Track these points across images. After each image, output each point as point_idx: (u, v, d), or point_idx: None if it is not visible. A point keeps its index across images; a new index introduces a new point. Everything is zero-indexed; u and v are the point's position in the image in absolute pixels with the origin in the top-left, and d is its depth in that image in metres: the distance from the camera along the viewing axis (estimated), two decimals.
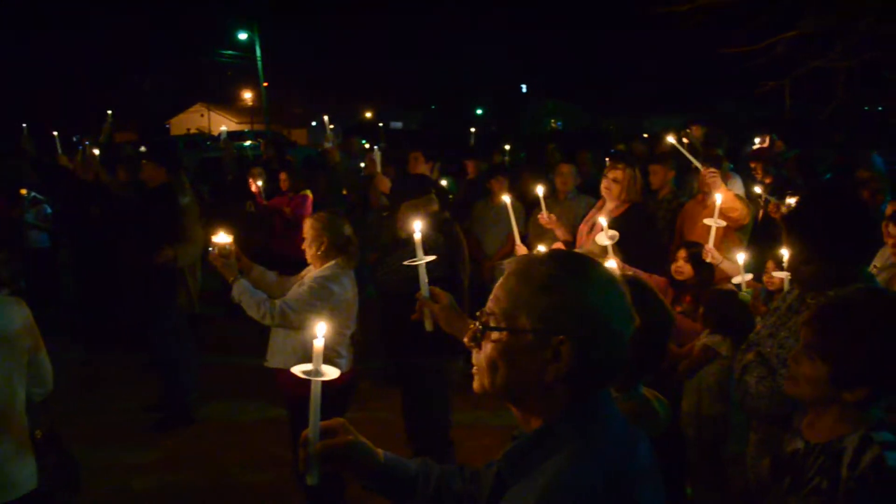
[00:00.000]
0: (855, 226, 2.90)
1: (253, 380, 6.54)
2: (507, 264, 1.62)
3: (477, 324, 1.60)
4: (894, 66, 5.41)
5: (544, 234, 6.10)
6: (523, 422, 1.61)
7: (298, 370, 1.90)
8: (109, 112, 10.16)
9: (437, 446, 4.80)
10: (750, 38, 5.58)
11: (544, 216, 5.77)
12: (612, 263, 4.48)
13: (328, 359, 4.49)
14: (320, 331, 1.90)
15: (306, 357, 4.45)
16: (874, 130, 8.41)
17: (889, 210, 4.26)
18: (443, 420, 4.92)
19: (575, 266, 1.57)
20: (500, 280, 1.61)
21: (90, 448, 5.85)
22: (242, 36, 38.46)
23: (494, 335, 1.56)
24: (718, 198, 5.12)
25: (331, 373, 1.89)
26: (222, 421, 6.68)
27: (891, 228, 4.07)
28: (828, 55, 5.29)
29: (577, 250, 5.35)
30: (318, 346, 1.87)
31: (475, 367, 1.62)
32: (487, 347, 1.58)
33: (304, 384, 4.18)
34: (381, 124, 12.76)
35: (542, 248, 5.04)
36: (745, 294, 4.67)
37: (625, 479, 1.48)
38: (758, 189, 6.89)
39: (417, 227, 2.90)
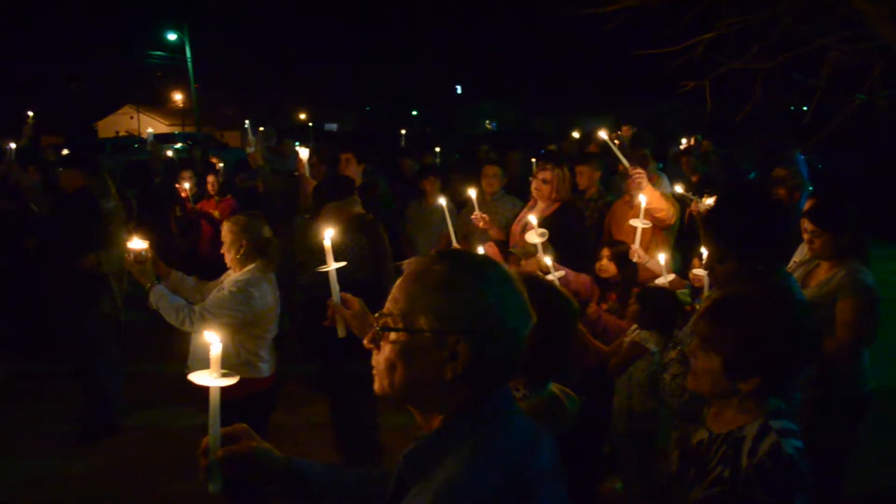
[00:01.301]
0: (768, 226, 2.97)
1: (180, 387, 6.39)
2: (406, 265, 1.62)
3: (376, 325, 1.60)
4: (807, 68, 5.57)
5: (472, 234, 6.13)
6: (424, 423, 1.62)
7: (195, 378, 1.86)
8: (30, 114, 9.85)
9: (364, 450, 4.78)
10: (674, 39, 5.68)
11: (478, 217, 5.81)
12: (548, 260, 4.53)
13: (251, 363, 4.46)
14: (215, 338, 1.85)
15: (227, 362, 4.38)
16: (798, 129, 8.65)
17: (807, 206, 4.36)
18: (369, 424, 4.90)
19: (470, 266, 1.59)
20: (398, 281, 1.61)
21: (14, 459, 5.75)
22: (172, 36, 37.81)
23: (393, 336, 1.57)
24: (643, 199, 5.20)
25: (228, 380, 1.85)
26: (149, 429, 6.56)
27: (807, 224, 4.17)
28: (745, 56, 5.42)
29: (511, 249, 5.40)
30: (214, 354, 1.83)
31: (374, 369, 1.63)
32: (386, 348, 1.59)
33: (230, 390, 4.09)
34: (310, 124, 12.63)
35: (480, 250, 5.07)
36: (684, 293, 4.75)
37: (522, 479, 1.50)
38: (679, 189, 7.03)
39: (328, 234, 2.88)
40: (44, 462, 5.96)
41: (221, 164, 9.04)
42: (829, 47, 5.38)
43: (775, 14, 5.32)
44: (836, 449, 4.09)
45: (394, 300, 1.60)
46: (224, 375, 1.87)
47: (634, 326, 4.44)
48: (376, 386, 1.63)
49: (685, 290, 5.04)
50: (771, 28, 5.36)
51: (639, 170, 5.68)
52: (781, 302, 2.22)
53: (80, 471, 5.83)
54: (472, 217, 5.87)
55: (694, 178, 8.05)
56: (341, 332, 2.85)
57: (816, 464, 3.86)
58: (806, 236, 4.21)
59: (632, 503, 4.68)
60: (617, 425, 4.52)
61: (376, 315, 1.62)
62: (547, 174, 5.67)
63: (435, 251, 1.65)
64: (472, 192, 5.86)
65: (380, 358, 1.61)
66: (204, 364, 4.58)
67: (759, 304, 2.19)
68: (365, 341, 1.65)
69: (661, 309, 4.25)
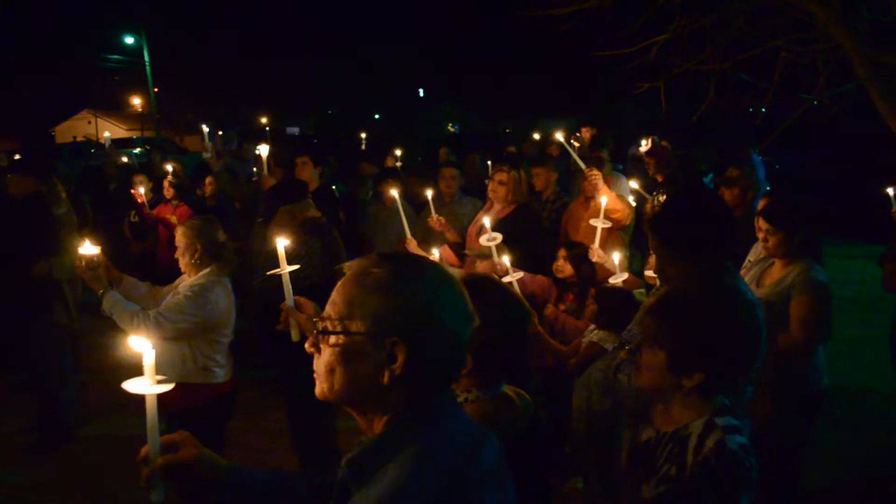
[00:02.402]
0: (713, 225, 2.98)
1: (136, 395, 6.32)
2: (347, 268, 1.60)
3: (314, 328, 1.58)
4: (761, 70, 5.63)
5: (429, 237, 6.12)
6: (366, 427, 1.61)
7: (129, 386, 1.81)
8: None
9: (323, 455, 4.74)
10: (629, 41, 5.71)
11: (434, 219, 5.80)
12: (506, 260, 4.52)
13: (207, 368, 4.40)
14: (147, 346, 1.81)
15: (184, 367, 4.34)
16: (755, 130, 8.78)
17: (760, 205, 4.41)
18: (327, 428, 4.86)
19: (407, 268, 1.58)
20: (338, 284, 1.60)
21: None
22: (130, 40, 37.39)
23: (332, 339, 1.56)
24: (604, 199, 5.22)
25: (163, 386, 1.80)
26: (105, 438, 6.43)
27: (761, 223, 4.22)
28: (699, 57, 5.47)
29: (466, 252, 5.39)
30: (148, 361, 1.78)
31: (315, 373, 1.61)
32: (326, 352, 1.58)
33: (184, 397, 4.00)
34: (267, 129, 12.53)
35: (435, 252, 5.06)
36: (640, 293, 4.77)
37: (464, 484, 1.49)
38: (635, 184, 7.08)
39: (280, 237, 2.86)
40: None
41: (171, 168, 8.91)
42: (781, 49, 5.44)
43: (726, 16, 5.37)
44: (791, 445, 4.14)
45: (332, 303, 1.59)
46: (160, 382, 1.82)
47: (592, 326, 4.46)
48: (317, 390, 1.62)
49: (642, 290, 5.07)
50: (723, 30, 5.42)
51: (594, 171, 5.72)
52: (725, 299, 2.24)
53: (33, 481, 5.71)
54: (429, 220, 5.86)
55: (660, 178, 8.12)
56: (295, 336, 2.82)
57: (772, 460, 3.93)
58: (760, 235, 4.26)
59: (592, 503, 4.69)
60: (576, 425, 4.53)
61: (315, 319, 1.60)
62: (503, 176, 5.68)
63: (375, 253, 1.64)
64: (429, 194, 5.85)
65: (320, 362, 1.60)
66: (157, 370, 4.52)
67: (703, 300, 2.22)
68: (306, 345, 1.63)
69: (616, 308, 4.28)
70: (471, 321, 1.59)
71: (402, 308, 1.51)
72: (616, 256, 4.78)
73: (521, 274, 4.62)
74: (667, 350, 2.23)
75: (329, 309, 1.59)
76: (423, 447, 1.50)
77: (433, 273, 1.58)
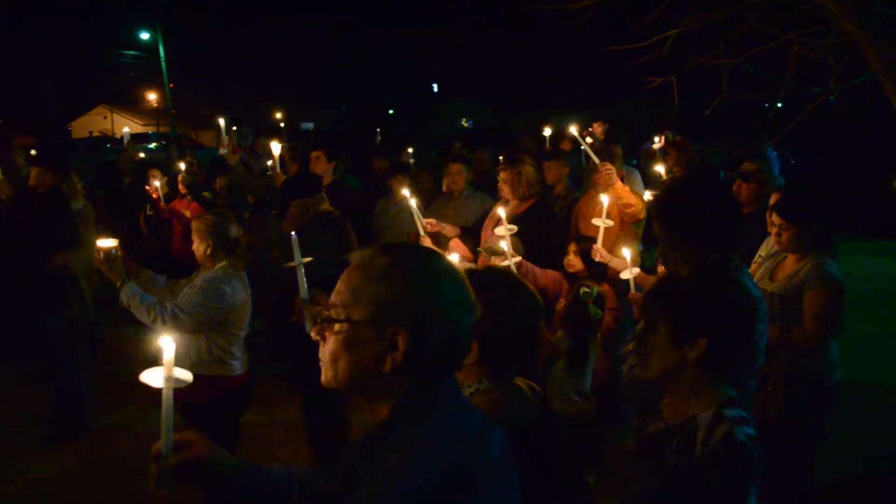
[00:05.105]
0: (715, 213, 2.98)
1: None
2: (353, 257, 1.63)
3: (319, 317, 1.61)
4: (774, 65, 5.60)
5: (439, 233, 6.09)
6: (371, 414, 1.63)
7: (147, 377, 1.81)
8: None
9: (337, 448, 4.77)
10: (642, 35, 5.68)
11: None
12: (503, 245, 4.48)
13: (223, 360, 4.44)
14: (167, 342, 1.81)
15: (200, 360, 4.38)
16: (770, 125, 8.73)
17: (772, 200, 4.39)
18: (341, 420, 4.89)
19: (409, 257, 1.61)
20: (343, 273, 1.63)
21: None
22: (145, 35, 37.51)
23: (336, 327, 1.59)
24: (605, 199, 5.19)
25: (184, 378, 1.82)
26: (122, 429, 6.48)
27: (773, 217, 4.21)
28: (712, 52, 5.45)
29: (479, 249, 5.39)
30: (167, 357, 1.79)
31: (321, 361, 1.64)
32: (330, 340, 1.61)
33: (200, 389, 4.03)
34: (282, 124, 12.57)
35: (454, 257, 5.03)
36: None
37: (468, 471, 1.51)
38: (660, 168, 7.07)
39: (294, 231, 2.89)
40: (9, 465, 5.88)
41: (184, 166, 8.96)
42: (794, 43, 5.41)
43: (739, 10, 5.35)
44: (805, 440, 4.13)
45: (337, 292, 1.61)
46: (178, 377, 1.81)
47: None
48: (322, 378, 1.65)
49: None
50: (736, 24, 5.40)
51: (608, 165, 5.70)
52: (718, 275, 2.27)
53: (48, 473, 5.76)
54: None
55: (676, 170, 8.15)
56: (309, 328, 2.85)
57: (786, 454, 3.93)
58: (773, 230, 4.24)
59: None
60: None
61: (318, 308, 1.63)
62: (503, 175, 5.69)
63: (380, 243, 1.66)
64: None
65: (325, 350, 1.62)
66: (175, 363, 4.56)
67: (697, 276, 2.27)
68: (312, 334, 1.66)
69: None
70: (473, 311, 1.61)
71: (403, 297, 1.54)
72: (626, 252, 4.74)
73: (518, 258, 4.55)
74: (667, 322, 2.26)
75: (333, 298, 1.62)
76: (426, 435, 1.52)
77: (435, 263, 1.61)
